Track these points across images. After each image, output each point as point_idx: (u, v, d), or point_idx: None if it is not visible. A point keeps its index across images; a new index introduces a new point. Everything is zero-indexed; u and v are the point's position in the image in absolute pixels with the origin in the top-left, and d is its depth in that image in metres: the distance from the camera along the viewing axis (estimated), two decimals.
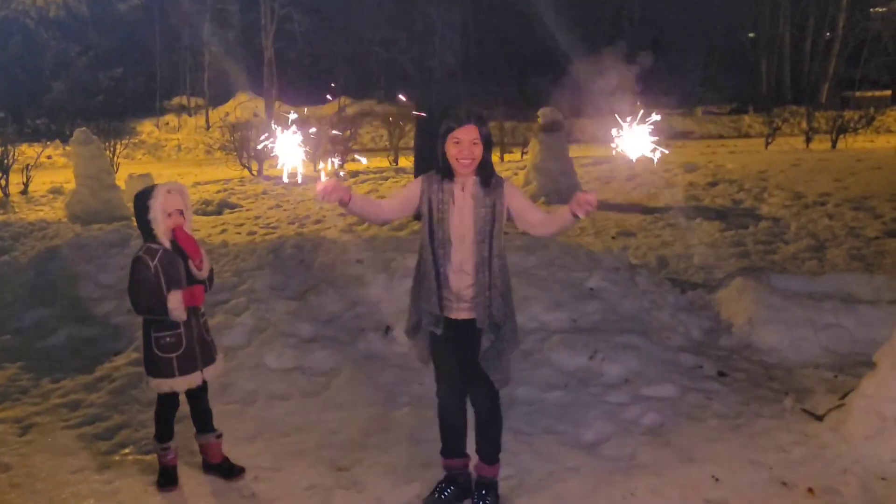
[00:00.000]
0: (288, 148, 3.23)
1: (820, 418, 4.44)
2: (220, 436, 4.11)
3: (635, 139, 3.23)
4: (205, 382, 4.00)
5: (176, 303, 3.71)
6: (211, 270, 3.98)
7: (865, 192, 12.31)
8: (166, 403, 3.96)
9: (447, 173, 3.42)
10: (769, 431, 4.37)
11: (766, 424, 4.45)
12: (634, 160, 3.24)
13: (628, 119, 3.24)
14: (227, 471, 4.07)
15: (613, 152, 3.28)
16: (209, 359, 3.98)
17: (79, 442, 4.50)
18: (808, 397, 4.79)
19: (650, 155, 3.24)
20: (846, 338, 5.52)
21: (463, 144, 3.36)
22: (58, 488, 3.99)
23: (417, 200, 3.48)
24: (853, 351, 5.43)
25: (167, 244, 3.77)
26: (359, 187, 16.16)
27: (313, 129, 3.36)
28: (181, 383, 3.86)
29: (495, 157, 20.41)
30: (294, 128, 3.23)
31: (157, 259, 3.74)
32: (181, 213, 3.81)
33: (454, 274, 3.43)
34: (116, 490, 3.96)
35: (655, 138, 3.24)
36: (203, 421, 4.09)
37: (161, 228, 3.73)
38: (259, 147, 3.20)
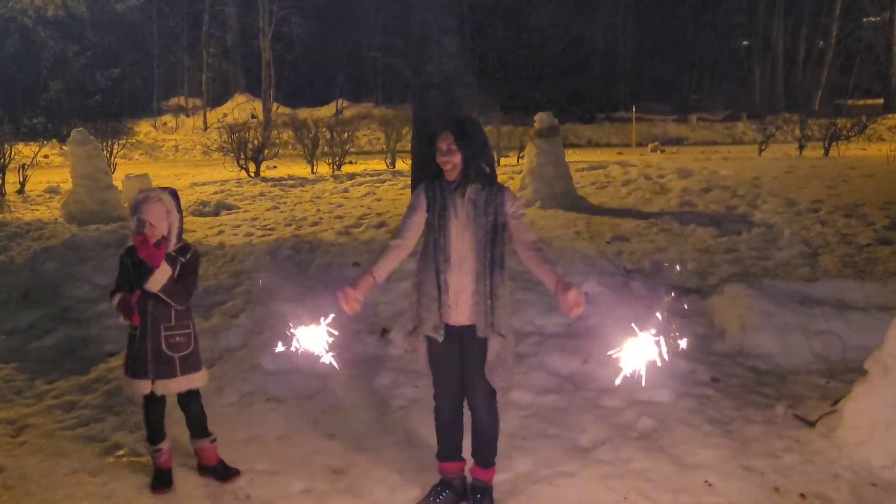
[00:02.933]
0: None
1: (812, 424, 4.48)
2: (214, 440, 4.11)
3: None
4: (194, 390, 4.00)
5: (114, 301, 3.89)
6: (184, 284, 3.88)
7: (857, 200, 12.37)
8: (146, 405, 3.98)
9: (446, 180, 3.47)
10: (761, 437, 4.40)
11: (759, 430, 4.49)
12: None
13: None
14: (222, 473, 4.08)
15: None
16: (165, 373, 3.87)
17: (73, 443, 4.50)
18: (800, 403, 4.83)
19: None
20: (838, 344, 5.56)
21: (441, 151, 3.42)
22: (52, 490, 3.99)
23: (426, 212, 3.51)
24: (845, 357, 5.47)
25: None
26: (355, 190, 16.18)
27: None
28: (130, 384, 3.94)
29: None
30: None
31: (131, 258, 3.87)
32: (151, 224, 3.77)
33: (453, 280, 3.46)
34: (111, 492, 3.96)
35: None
36: (197, 426, 4.09)
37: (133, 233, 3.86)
38: None
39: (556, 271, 3.43)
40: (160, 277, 3.79)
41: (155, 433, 3.98)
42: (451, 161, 3.43)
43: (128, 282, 3.86)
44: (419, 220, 3.54)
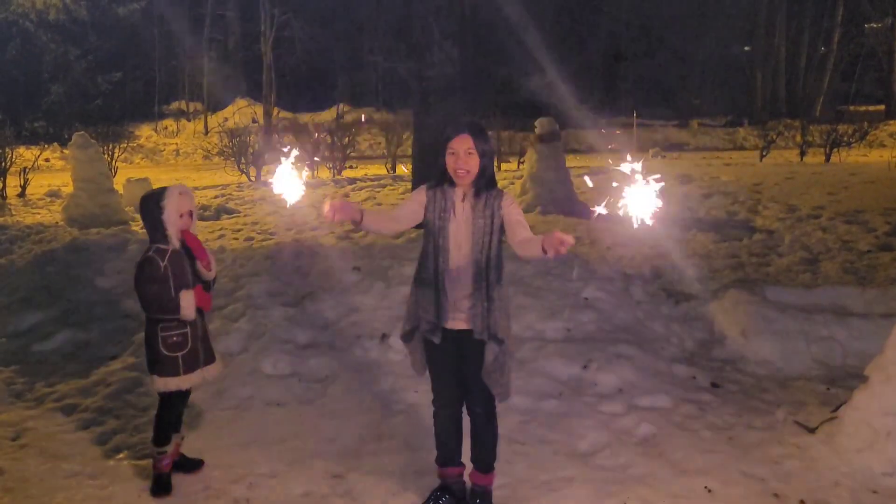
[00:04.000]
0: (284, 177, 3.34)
1: (812, 431, 4.47)
2: (183, 437, 4.19)
3: (642, 198, 2.94)
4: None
5: (189, 302, 3.80)
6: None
7: (858, 206, 12.36)
8: (169, 403, 4.00)
9: (448, 182, 3.46)
10: (762, 443, 4.40)
11: (759, 436, 4.49)
12: (637, 225, 2.95)
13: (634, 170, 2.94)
14: (188, 465, 4.16)
15: (620, 211, 2.97)
16: (210, 359, 4.07)
17: (73, 447, 4.50)
18: (800, 410, 4.82)
19: (648, 220, 2.96)
20: (838, 350, 5.56)
21: (458, 155, 3.40)
22: (51, 493, 3.99)
23: (423, 210, 3.50)
24: (845, 364, 5.47)
25: (177, 245, 3.86)
26: (355, 195, 16.19)
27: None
28: (186, 382, 3.94)
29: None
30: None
31: (166, 259, 3.81)
32: (190, 214, 3.92)
33: (451, 283, 3.45)
34: (111, 495, 3.96)
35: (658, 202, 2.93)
36: (180, 422, 4.15)
37: (174, 229, 3.83)
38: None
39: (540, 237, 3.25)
40: (215, 265, 4.04)
41: (164, 435, 4.00)
42: (468, 166, 3.40)
43: (168, 285, 3.80)
44: (415, 209, 3.49)
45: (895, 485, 3.92)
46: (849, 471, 4.04)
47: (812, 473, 4.06)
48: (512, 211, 3.46)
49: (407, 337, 3.67)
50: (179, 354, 3.87)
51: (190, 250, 3.93)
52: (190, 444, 4.28)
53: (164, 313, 3.81)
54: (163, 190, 3.87)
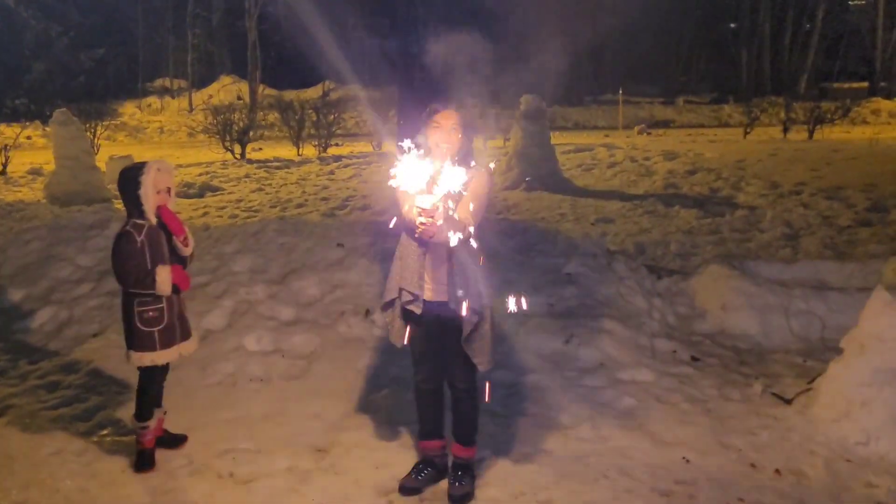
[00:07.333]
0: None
1: (788, 402, 4.55)
2: (165, 412, 4.21)
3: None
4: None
5: (164, 277, 3.81)
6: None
7: (840, 182, 12.46)
8: (148, 378, 4.02)
9: (428, 157, 3.46)
10: (739, 415, 4.47)
11: (737, 408, 4.56)
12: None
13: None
14: (172, 441, 4.18)
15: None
16: (186, 334, 4.09)
17: (56, 423, 4.50)
18: (777, 382, 4.90)
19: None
20: (816, 324, 5.63)
21: (442, 129, 3.41)
22: (35, 469, 4.00)
23: None
24: (823, 337, 5.55)
25: (153, 220, 3.86)
26: (341, 172, 16.15)
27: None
28: (162, 357, 3.96)
29: (478, 144, 20.46)
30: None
31: (143, 234, 3.82)
32: (168, 191, 3.91)
33: (430, 256, 3.47)
34: (95, 472, 3.98)
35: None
36: (158, 397, 4.16)
37: (150, 205, 3.83)
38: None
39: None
40: (192, 241, 4.04)
41: (146, 410, 4.01)
42: (450, 141, 3.41)
43: (144, 260, 3.82)
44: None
45: (868, 454, 3.99)
46: (823, 440, 4.12)
47: (787, 443, 4.13)
48: (474, 186, 3.39)
49: (386, 307, 3.68)
50: (155, 329, 3.89)
51: (167, 227, 3.93)
52: (173, 419, 4.29)
53: (140, 288, 3.82)
54: (141, 165, 3.88)
